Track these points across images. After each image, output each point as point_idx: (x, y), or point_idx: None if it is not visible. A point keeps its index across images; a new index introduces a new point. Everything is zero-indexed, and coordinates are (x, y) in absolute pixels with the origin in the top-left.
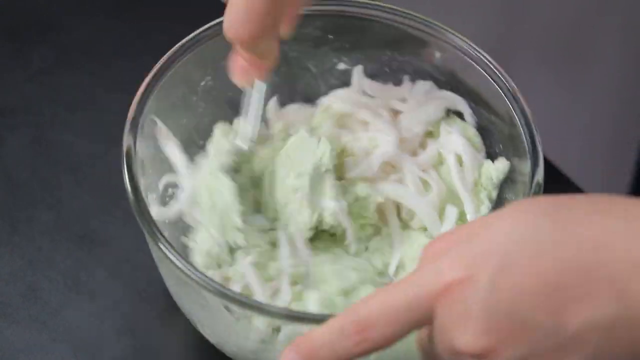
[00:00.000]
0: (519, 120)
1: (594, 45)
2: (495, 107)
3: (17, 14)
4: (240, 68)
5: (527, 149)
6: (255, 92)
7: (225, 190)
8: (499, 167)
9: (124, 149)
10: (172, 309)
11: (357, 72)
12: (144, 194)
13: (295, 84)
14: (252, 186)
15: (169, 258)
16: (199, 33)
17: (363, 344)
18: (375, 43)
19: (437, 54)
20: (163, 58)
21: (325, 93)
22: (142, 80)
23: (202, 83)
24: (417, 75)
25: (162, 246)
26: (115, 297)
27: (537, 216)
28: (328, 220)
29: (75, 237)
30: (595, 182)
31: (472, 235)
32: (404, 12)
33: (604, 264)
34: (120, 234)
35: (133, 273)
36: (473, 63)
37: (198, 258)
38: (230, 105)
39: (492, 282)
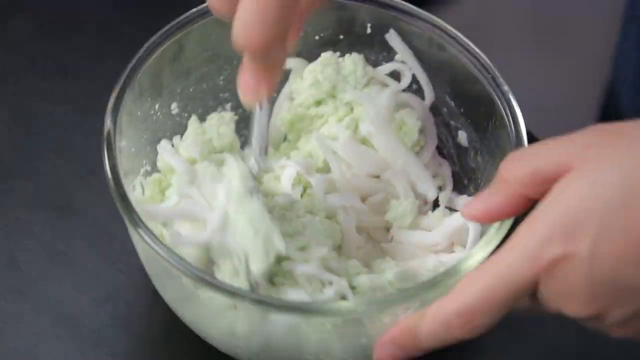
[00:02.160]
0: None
1: (572, 16)
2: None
3: None
4: (248, 87)
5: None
6: (263, 112)
7: (262, 215)
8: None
9: (104, 133)
10: (149, 280)
11: None
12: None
13: None
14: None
15: (149, 245)
16: (185, 17)
17: (469, 333)
18: None
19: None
20: (142, 48)
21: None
22: (120, 49)
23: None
24: None
25: (142, 232)
26: (93, 268)
27: (623, 164)
28: None
29: (53, 207)
30: None
31: (557, 196)
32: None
33: None
34: (98, 204)
35: (111, 243)
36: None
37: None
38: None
39: (590, 255)
